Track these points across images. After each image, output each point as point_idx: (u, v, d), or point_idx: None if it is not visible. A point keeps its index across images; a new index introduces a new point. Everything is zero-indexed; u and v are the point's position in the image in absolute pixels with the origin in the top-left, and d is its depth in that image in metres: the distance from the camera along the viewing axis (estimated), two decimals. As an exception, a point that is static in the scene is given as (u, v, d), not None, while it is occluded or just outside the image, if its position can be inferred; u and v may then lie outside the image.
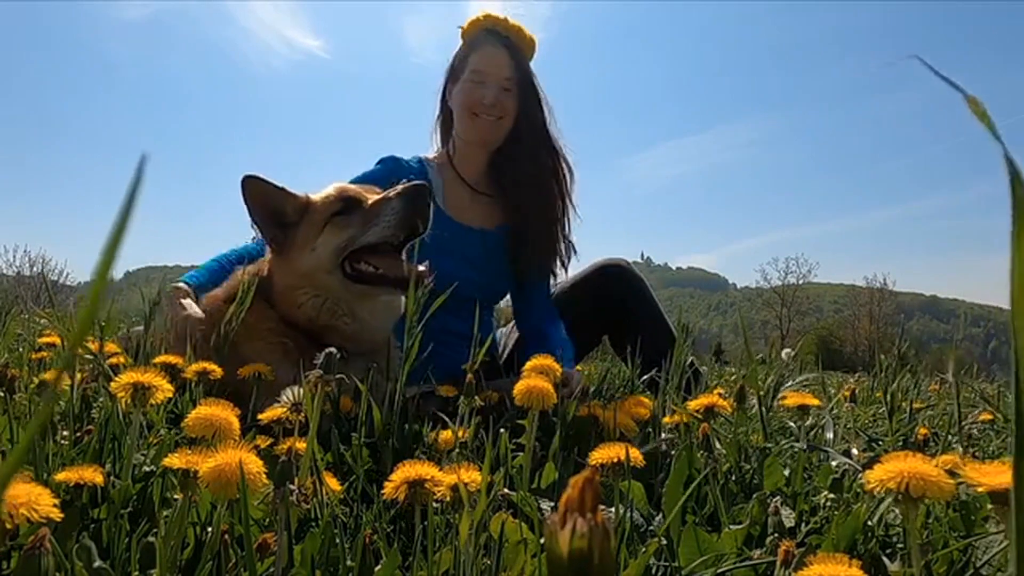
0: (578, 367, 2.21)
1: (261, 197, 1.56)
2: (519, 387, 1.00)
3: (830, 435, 1.18)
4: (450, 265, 1.80)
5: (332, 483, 0.79)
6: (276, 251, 1.58)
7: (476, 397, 1.13)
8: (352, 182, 1.84)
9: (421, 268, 1.48)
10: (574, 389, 1.61)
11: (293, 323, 1.54)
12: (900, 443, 1.31)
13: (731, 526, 0.80)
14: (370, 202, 1.58)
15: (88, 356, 1.16)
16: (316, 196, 1.62)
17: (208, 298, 1.61)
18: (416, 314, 1.28)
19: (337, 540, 0.67)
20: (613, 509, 0.74)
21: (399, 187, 1.57)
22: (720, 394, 1.21)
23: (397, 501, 0.70)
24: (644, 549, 0.70)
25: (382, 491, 0.71)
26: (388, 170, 2.09)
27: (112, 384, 0.81)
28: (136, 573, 0.66)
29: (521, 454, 1.04)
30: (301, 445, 0.80)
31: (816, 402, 1.23)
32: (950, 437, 1.27)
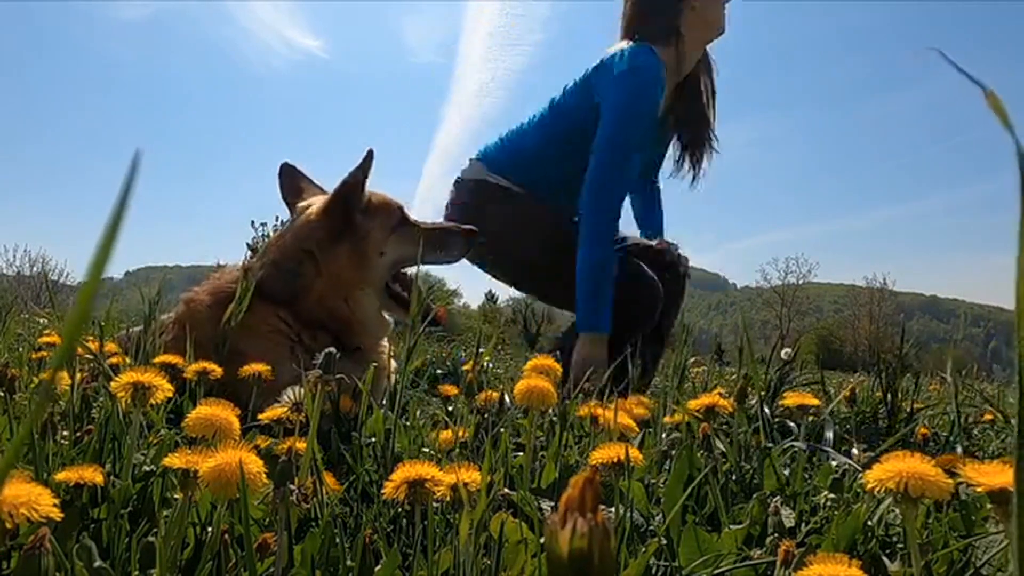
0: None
1: (361, 185, 1.57)
2: (519, 387, 1.00)
3: (830, 435, 1.18)
4: (635, 163, 2.20)
5: (332, 483, 0.79)
6: (334, 239, 1.55)
7: (476, 397, 1.13)
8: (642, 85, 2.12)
9: (440, 310, 1.60)
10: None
11: (316, 318, 1.53)
12: (900, 443, 1.31)
13: (731, 526, 0.80)
14: (424, 225, 1.68)
15: (88, 356, 1.16)
16: (375, 198, 1.63)
17: (191, 300, 1.57)
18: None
19: (337, 540, 0.67)
20: (613, 509, 0.74)
21: (463, 226, 1.72)
22: (720, 394, 1.21)
23: (397, 501, 0.70)
24: (644, 549, 0.70)
25: (382, 491, 0.71)
26: (655, 65, 2.16)
27: (112, 384, 0.81)
28: (136, 573, 0.66)
29: (521, 454, 1.04)
30: (301, 445, 0.80)
31: (816, 402, 1.23)
32: (950, 437, 1.27)
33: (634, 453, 0.82)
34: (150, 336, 1.39)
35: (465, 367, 1.29)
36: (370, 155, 1.56)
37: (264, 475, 0.64)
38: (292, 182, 1.74)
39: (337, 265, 1.54)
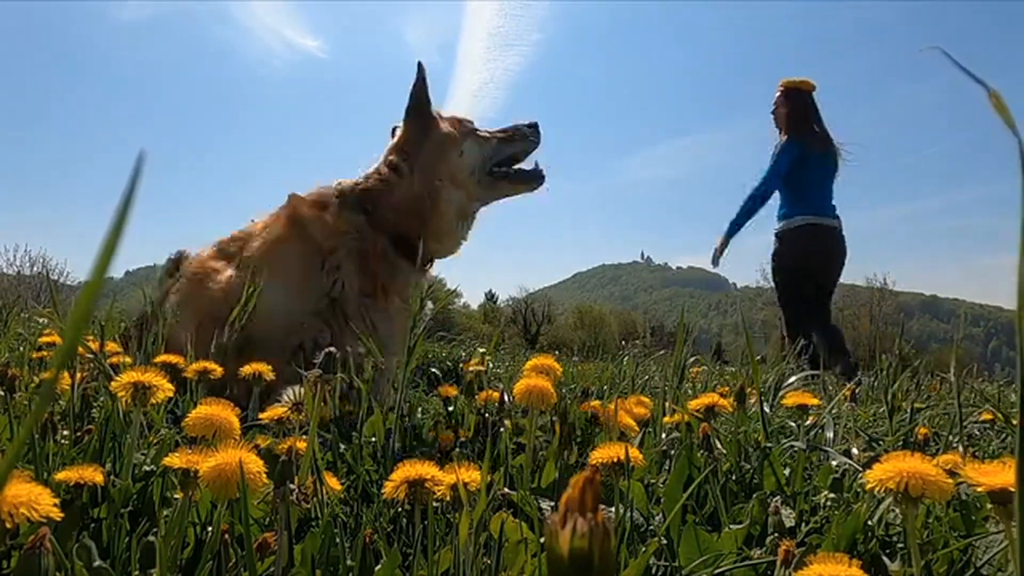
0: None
1: (423, 88, 1.84)
2: (519, 387, 1.00)
3: (830, 435, 1.17)
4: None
5: (332, 482, 0.79)
6: (418, 141, 1.79)
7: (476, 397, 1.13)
8: None
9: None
10: None
11: (391, 223, 1.72)
12: (900, 443, 1.31)
13: (731, 526, 0.80)
14: (492, 131, 1.93)
15: (88, 355, 1.16)
16: (447, 114, 1.88)
17: (300, 201, 1.73)
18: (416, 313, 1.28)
19: (337, 540, 0.67)
20: (613, 509, 0.74)
21: (526, 122, 1.96)
22: (721, 394, 1.21)
23: (397, 501, 0.70)
24: (644, 549, 0.70)
25: (382, 491, 0.71)
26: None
27: (112, 383, 0.81)
28: (136, 572, 0.66)
29: (521, 454, 1.04)
30: (301, 444, 0.80)
31: (816, 401, 1.23)
32: (950, 437, 1.27)
33: (634, 453, 0.82)
34: (152, 336, 1.40)
35: (466, 367, 1.30)
36: (420, 66, 1.84)
37: (264, 475, 0.64)
38: None
39: (424, 161, 1.76)
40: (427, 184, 1.74)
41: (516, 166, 1.95)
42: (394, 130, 2.00)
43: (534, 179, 1.94)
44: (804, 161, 4.53)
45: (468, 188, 1.83)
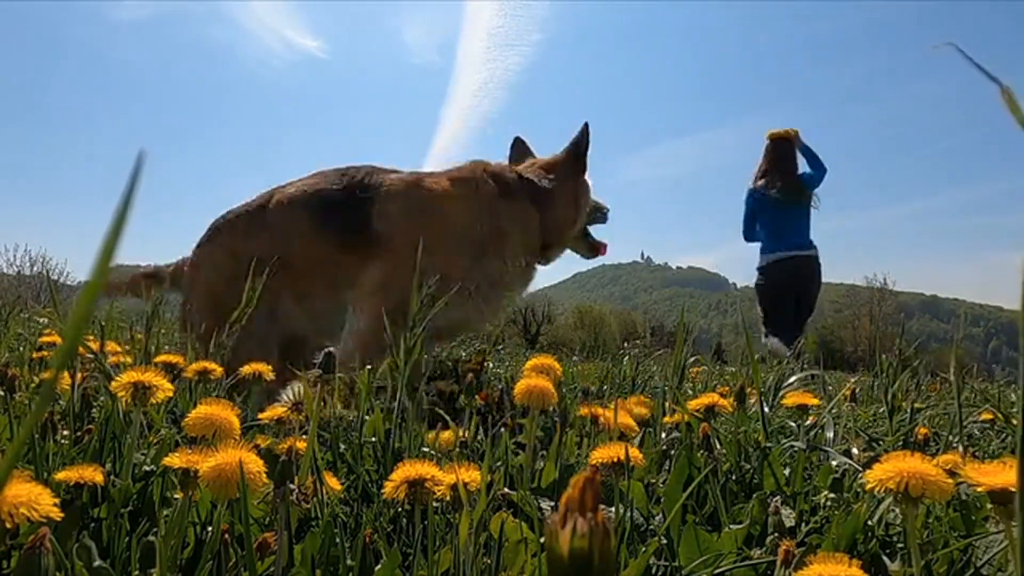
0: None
1: (587, 142, 2.21)
2: (519, 387, 1.00)
3: (830, 435, 1.17)
4: None
5: (332, 482, 0.79)
6: (572, 176, 2.16)
7: (476, 396, 1.13)
8: None
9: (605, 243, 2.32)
10: None
11: (549, 233, 2.10)
12: (900, 443, 1.31)
13: (731, 526, 0.80)
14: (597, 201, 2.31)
15: (88, 355, 1.16)
16: None
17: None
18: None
19: (337, 539, 0.67)
20: (613, 509, 0.74)
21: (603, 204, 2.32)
22: (721, 394, 1.21)
23: (397, 500, 0.70)
24: (644, 549, 0.70)
25: (382, 491, 0.71)
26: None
27: (112, 383, 0.82)
28: (136, 572, 0.66)
29: (521, 454, 1.04)
30: (301, 444, 0.80)
31: (816, 401, 1.23)
32: (950, 437, 1.27)
33: (634, 453, 0.82)
34: (152, 336, 1.40)
35: (466, 367, 1.30)
36: (586, 127, 2.19)
37: (264, 475, 0.64)
38: (521, 153, 2.36)
39: (574, 196, 2.15)
40: (573, 213, 2.15)
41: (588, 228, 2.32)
42: (515, 142, 2.38)
43: (595, 251, 2.30)
44: (774, 204, 5.42)
45: (578, 227, 2.21)
